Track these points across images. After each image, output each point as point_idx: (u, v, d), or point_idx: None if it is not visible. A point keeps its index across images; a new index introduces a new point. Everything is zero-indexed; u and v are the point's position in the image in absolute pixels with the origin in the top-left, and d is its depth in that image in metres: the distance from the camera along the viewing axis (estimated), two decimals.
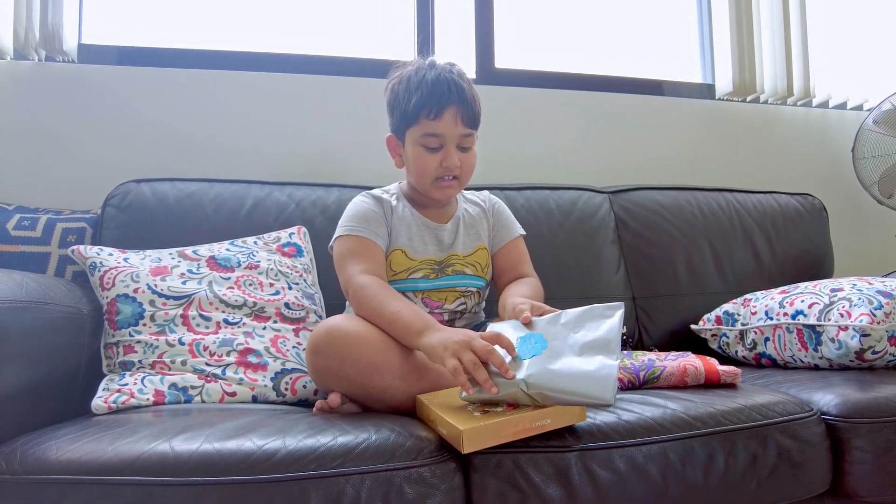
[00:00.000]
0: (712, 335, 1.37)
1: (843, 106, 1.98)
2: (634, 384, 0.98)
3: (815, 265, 1.64)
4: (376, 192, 1.12)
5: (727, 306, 1.37)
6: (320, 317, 1.18)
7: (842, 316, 1.08)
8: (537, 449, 0.77)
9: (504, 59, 1.82)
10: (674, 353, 1.05)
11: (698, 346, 1.39)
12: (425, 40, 1.74)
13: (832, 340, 1.09)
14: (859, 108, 1.98)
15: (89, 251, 1.09)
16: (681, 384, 0.97)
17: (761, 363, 1.27)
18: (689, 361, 0.99)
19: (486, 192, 1.22)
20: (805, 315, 1.15)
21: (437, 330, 0.85)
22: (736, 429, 0.83)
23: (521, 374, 0.76)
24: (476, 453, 0.75)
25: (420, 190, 1.09)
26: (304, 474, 0.68)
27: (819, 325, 1.12)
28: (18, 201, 1.40)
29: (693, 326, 1.40)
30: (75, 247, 1.10)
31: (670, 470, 0.79)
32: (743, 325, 1.30)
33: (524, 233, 1.18)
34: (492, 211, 1.18)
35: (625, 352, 1.09)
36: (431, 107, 1.00)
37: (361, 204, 1.08)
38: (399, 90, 1.05)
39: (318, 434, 0.73)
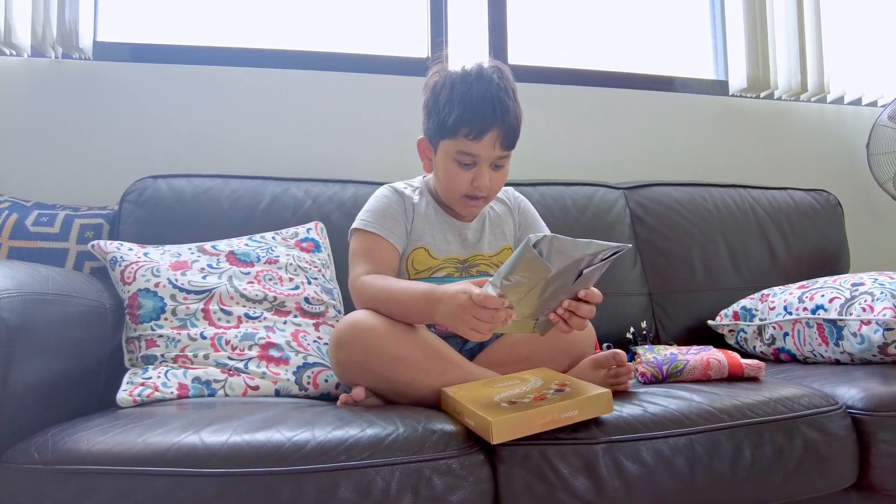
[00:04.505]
0: (729, 331, 1.37)
1: (857, 102, 1.97)
2: (658, 378, 0.98)
3: (831, 261, 1.64)
4: (399, 185, 1.10)
5: (744, 302, 1.36)
6: (339, 311, 1.18)
7: (864, 310, 1.08)
8: (565, 441, 0.76)
9: (517, 54, 1.82)
10: (695, 346, 1.05)
11: (715, 341, 1.39)
12: (439, 36, 1.73)
13: (854, 335, 1.09)
14: (874, 104, 1.97)
15: (109, 246, 1.10)
16: (704, 378, 0.97)
17: (780, 358, 1.27)
18: (712, 355, 0.98)
19: (511, 189, 1.19)
20: (825, 310, 1.15)
21: (438, 301, 0.83)
22: (763, 421, 0.83)
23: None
24: (503, 445, 0.75)
25: (445, 201, 1.07)
26: (334, 465, 0.68)
27: (840, 320, 1.11)
28: (36, 197, 1.41)
29: (710, 322, 1.40)
30: (95, 242, 1.11)
31: (697, 462, 0.79)
32: (761, 320, 1.29)
33: (550, 233, 1.16)
34: (518, 210, 1.15)
35: (646, 346, 1.09)
36: (472, 127, 0.95)
37: (383, 199, 1.06)
38: (441, 96, 0.98)
39: (346, 426, 0.73)
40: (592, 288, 0.82)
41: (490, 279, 0.78)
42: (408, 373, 0.86)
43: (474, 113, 0.95)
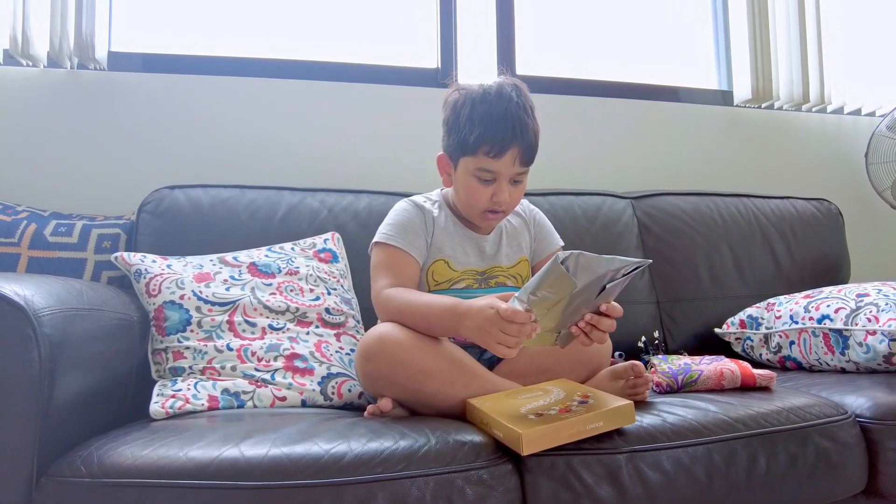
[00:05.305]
0: (736, 338, 1.40)
1: (857, 112, 2.02)
2: (673, 388, 1.01)
3: (833, 269, 1.68)
4: (419, 199, 1.12)
5: (751, 310, 1.40)
6: (358, 321, 1.20)
7: (869, 321, 1.12)
8: (589, 451, 0.79)
9: (525, 65, 1.85)
10: (707, 356, 1.08)
11: (722, 349, 1.42)
12: (448, 47, 1.76)
13: (860, 344, 1.12)
14: (872, 114, 2.02)
15: (133, 258, 1.11)
16: (717, 387, 1.00)
17: (786, 366, 1.30)
18: (725, 365, 1.01)
19: (525, 202, 1.21)
20: (831, 319, 1.18)
21: (465, 316, 0.86)
22: (777, 431, 0.86)
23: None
24: (530, 455, 0.77)
25: (465, 216, 1.10)
26: (371, 477, 0.70)
27: (846, 330, 1.15)
28: (52, 207, 1.42)
29: (717, 330, 1.43)
30: (119, 254, 1.12)
31: (715, 471, 0.82)
32: (767, 328, 1.33)
33: (563, 244, 1.19)
34: (533, 222, 1.18)
35: (660, 356, 1.12)
36: (493, 145, 0.97)
37: (403, 213, 1.09)
38: (461, 114, 1.01)
39: (379, 438, 0.76)
40: (613, 302, 0.85)
41: (516, 294, 0.81)
42: (433, 385, 0.89)
43: (495, 132, 0.98)
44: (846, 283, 1.66)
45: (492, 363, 1.05)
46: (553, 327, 0.85)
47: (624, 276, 0.81)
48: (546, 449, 0.76)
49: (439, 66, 1.76)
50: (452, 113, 1.03)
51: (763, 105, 1.93)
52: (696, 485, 0.81)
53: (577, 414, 0.78)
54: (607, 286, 0.81)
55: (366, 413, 0.92)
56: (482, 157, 0.99)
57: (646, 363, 1.11)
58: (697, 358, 1.07)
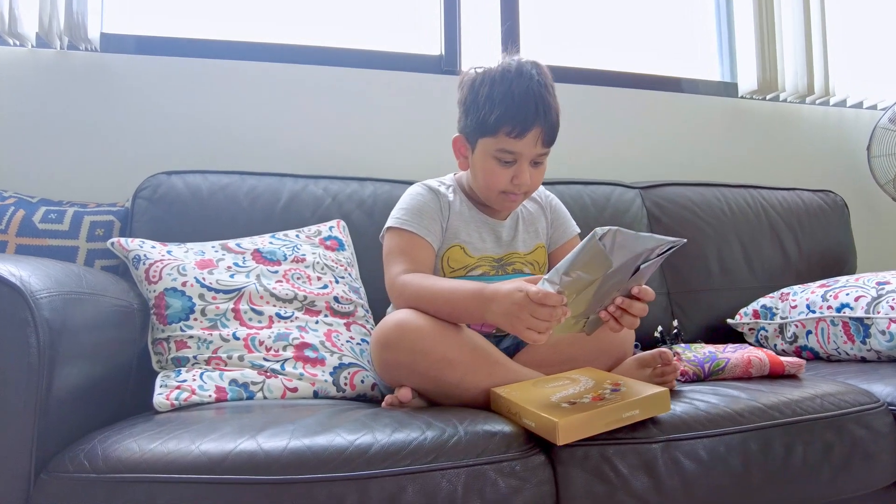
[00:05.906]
0: (749, 329, 1.38)
1: (859, 105, 2.01)
2: (700, 376, 0.98)
3: (840, 261, 1.67)
4: (433, 183, 1.08)
5: (764, 300, 1.38)
6: (367, 310, 1.15)
7: (892, 308, 1.10)
8: (623, 441, 0.76)
9: (529, 54, 1.80)
10: (731, 345, 1.06)
11: (734, 339, 1.40)
12: (452, 35, 1.72)
13: (882, 333, 1.10)
14: (874, 107, 2.01)
15: (131, 244, 1.06)
16: (745, 375, 0.98)
17: (802, 356, 1.28)
18: (752, 353, 0.99)
19: (541, 188, 1.17)
20: (851, 308, 1.16)
21: (491, 300, 0.81)
22: (813, 419, 0.84)
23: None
24: (563, 446, 0.73)
25: (483, 199, 1.05)
26: (400, 469, 0.66)
27: (868, 318, 1.13)
28: (40, 193, 1.35)
29: (730, 321, 1.41)
30: (115, 239, 1.06)
31: (752, 459, 0.79)
32: (782, 318, 1.30)
33: (580, 231, 1.15)
34: (549, 208, 1.14)
35: (684, 345, 1.09)
36: (515, 125, 0.93)
37: (417, 197, 1.04)
38: (480, 93, 0.96)
39: (404, 428, 0.71)
40: (644, 285, 0.82)
41: (545, 276, 0.77)
42: (456, 373, 0.84)
43: (517, 111, 0.94)
44: (853, 274, 1.65)
45: (510, 353, 1.01)
46: (581, 313, 0.81)
47: (658, 255, 0.78)
48: (581, 439, 0.72)
49: (443, 53, 1.72)
50: (471, 92, 0.99)
51: (768, 96, 1.92)
52: (732, 474, 0.78)
53: (612, 402, 0.74)
54: (641, 267, 0.77)
55: (384, 404, 0.87)
56: (503, 138, 0.95)
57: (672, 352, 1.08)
58: (720, 346, 1.04)
